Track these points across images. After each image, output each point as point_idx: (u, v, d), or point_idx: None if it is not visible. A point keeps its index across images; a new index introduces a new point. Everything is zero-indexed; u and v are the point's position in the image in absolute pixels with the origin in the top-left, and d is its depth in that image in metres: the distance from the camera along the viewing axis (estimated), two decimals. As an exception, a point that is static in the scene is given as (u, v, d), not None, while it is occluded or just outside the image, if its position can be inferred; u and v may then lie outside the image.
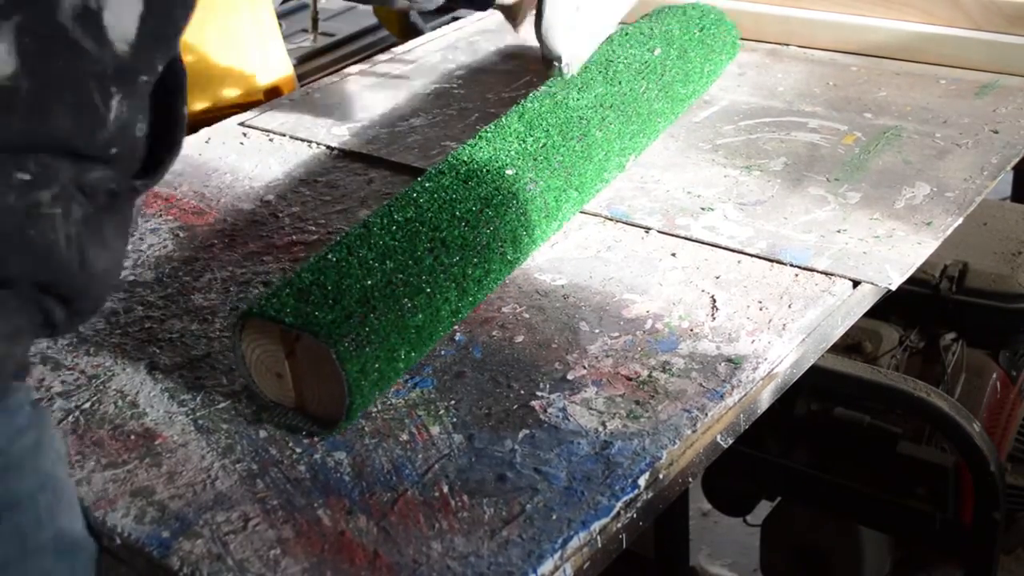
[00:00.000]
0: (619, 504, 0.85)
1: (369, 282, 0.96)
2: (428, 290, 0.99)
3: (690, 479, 0.94)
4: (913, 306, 1.55)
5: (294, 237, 1.25)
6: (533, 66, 1.67)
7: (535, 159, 1.15)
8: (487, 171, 1.11)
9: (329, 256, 0.99)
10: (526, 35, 1.43)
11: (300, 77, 2.12)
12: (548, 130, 1.18)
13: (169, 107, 0.77)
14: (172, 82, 0.76)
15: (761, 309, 1.07)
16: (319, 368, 0.93)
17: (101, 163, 0.73)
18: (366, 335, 0.92)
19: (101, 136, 0.71)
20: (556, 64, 1.28)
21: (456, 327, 1.06)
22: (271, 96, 1.82)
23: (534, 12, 1.34)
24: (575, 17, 1.29)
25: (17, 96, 0.66)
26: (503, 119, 1.21)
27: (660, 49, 1.37)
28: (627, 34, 1.39)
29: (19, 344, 0.73)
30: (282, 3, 3.34)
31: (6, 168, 0.67)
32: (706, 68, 1.46)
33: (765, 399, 1.00)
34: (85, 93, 0.69)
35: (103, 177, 0.73)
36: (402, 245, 1.01)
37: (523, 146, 1.15)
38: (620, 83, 1.29)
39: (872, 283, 1.11)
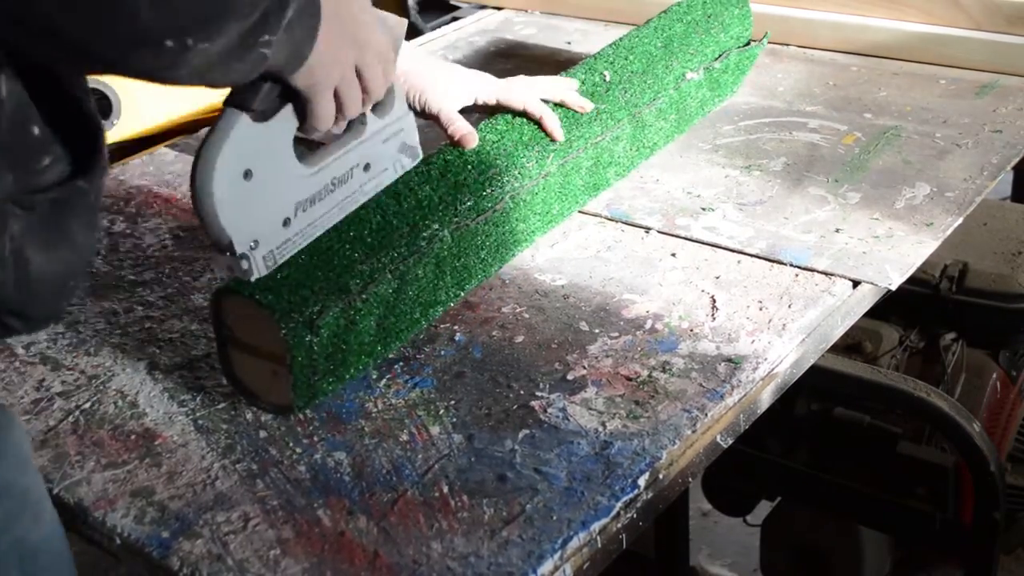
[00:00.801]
0: (619, 504, 0.85)
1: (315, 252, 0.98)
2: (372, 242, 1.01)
3: (690, 479, 0.94)
4: (913, 306, 1.55)
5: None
6: (532, 66, 1.68)
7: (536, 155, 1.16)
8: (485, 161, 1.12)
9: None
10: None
11: (300, 77, 2.11)
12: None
13: (55, 83, 0.71)
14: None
15: (761, 309, 1.07)
16: (258, 337, 0.94)
17: (37, 152, 0.68)
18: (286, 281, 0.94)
19: (2, 116, 0.66)
20: (225, 254, 0.91)
21: (456, 328, 1.07)
22: (271, 96, 1.82)
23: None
24: (245, 187, 0.90)
25: None
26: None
27: (696, 74, 1.38)
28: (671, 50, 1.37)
29: None
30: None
31: None
32: (724, 94, 1.48)
33: (765, 399, 1.00)
34: None
35: (54, 177, 0.69)
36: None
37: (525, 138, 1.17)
38: (643, 112, 1.30)
39: (872, 283, 1.10)
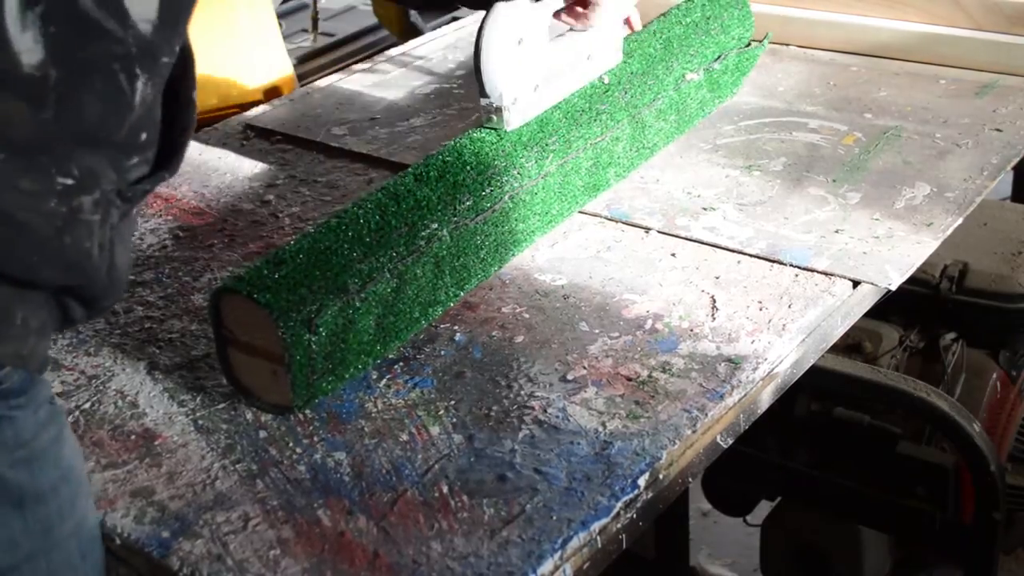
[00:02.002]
0: (619, 504, 0.85)
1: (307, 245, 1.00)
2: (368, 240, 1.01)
3: (690, 479, 0.94)
4: (913, 306, 1.55)
5: (294, 237, 1.25)
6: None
7: (536, 155, 1.16)
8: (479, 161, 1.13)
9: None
10: None
11: (300, 77, 2.12)
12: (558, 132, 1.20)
13: (177, 91, 0.77)
14: (180, 66, 0.77)
15: (761, 309, 1.07)
16: (256, 336, 0.95)
17: (135, 152, 0.73)
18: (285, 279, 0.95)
19: (129, 120, 0.71)
20: (491, 104, 1.15)
21: (456, 328, 1.07)
22: (271, 96, 1.83)
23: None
24: (516, 52, 1.16)
25: (47, 86, 0.66)
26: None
27: (696, 75, 1.38)
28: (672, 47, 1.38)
29: (44, 338, 0.74)
30: (282, 3, 3.34)
31: (47, 172, 0.68)
32: (724, 94, 1.48)
33: (765, 399, 1.00)
34: (112, 77, 0.69)
35: (139, 174, 0.74)
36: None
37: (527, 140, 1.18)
38: (641, 111, 1.30)
39: (872, 283, 1.10)
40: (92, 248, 0.72)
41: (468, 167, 1.11)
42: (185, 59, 0.77)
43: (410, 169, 1.11)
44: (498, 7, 1.12)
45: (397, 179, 1.08)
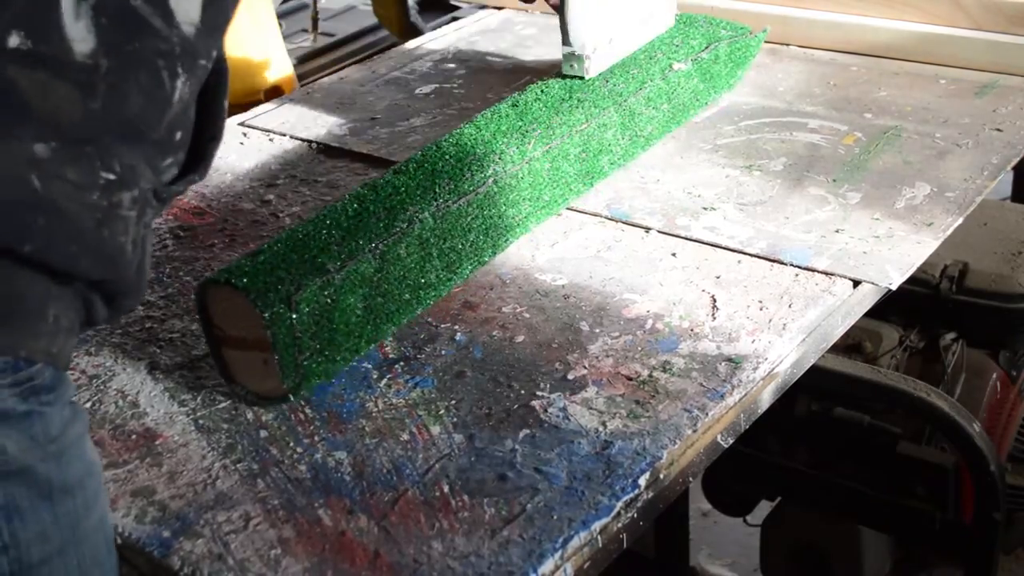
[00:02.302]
0: (619, 504, 0.85)
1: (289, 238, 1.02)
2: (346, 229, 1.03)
3: (690, 479, 0.94)
4: (913, 306, 1.55)
5: (294, 237, 1.25)
6: (532, 67, 1.68)
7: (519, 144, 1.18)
8: (470, 154, 1.15)
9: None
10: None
11: (300, 77, 2.11)
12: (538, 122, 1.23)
13: (212, 100, 0.80)
14: (216, 76, 0.79)
15: (761, 309, 1.07)
16: (243, 326, 0.95)
17: (170, 152, 0.75)
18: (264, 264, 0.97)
19: (167, 117, 0.74)
20: (573, 52, 1.29)
21: (457, 328, 1.07)
22: (271, 96, 1.82)
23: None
24: (596, 6, 1.29)
25: (97, 75, 0.69)
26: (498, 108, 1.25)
27: (683, 65, 1.39)
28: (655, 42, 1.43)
29: (72, 337, 0.76)
30: (282, 3, 3.34)
31: (92, 164, 0.70)
32: (720, 85, 1.48)
33: (765, 399, 1.00)
34: (155, 72, 0.72)
35: (171, 175, 0.76)
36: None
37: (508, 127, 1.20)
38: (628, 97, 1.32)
39: (872, 283, 1.11)
40: (126, 243, 0.74)
41: (447, 156, 1.14)
42: (220, 70, 0.80)
43: (391, 168, 1.14)
44: None
45: (378, 176, 1.11)
